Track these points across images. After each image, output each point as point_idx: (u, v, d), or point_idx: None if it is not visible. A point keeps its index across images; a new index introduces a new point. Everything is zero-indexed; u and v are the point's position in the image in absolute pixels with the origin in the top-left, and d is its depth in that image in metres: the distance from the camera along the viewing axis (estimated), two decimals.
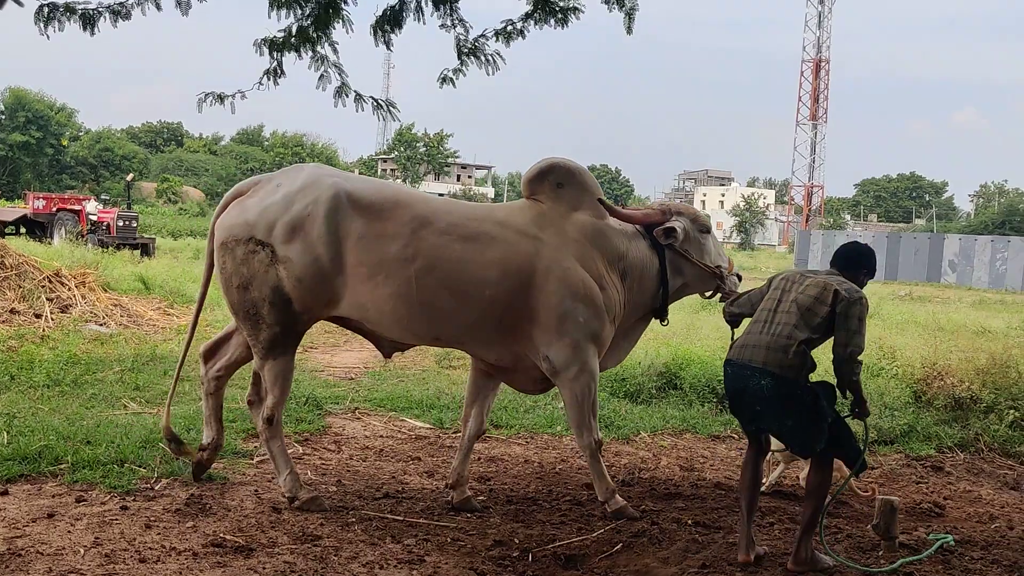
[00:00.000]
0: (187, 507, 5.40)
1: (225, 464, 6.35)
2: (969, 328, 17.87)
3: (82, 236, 26.44)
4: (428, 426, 7.97)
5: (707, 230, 6.22)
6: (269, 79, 7.56)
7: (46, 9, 7.45)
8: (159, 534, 4.96)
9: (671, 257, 6.02)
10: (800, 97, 79.46)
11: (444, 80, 7.74)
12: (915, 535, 5.61)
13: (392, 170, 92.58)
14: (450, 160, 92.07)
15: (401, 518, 5.56)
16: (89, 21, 7.49)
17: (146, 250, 25.58)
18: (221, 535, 4.98)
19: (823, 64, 78.49)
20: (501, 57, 7.50)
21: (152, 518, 5.20)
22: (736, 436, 8.39)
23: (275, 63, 7.47)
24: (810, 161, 79.76)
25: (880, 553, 5.24)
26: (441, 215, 5.55)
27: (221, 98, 7.82)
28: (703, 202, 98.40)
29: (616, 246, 5.90)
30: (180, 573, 4.47)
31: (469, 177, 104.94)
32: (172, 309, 14.13)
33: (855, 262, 5.18)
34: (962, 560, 5.20)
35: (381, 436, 7.60)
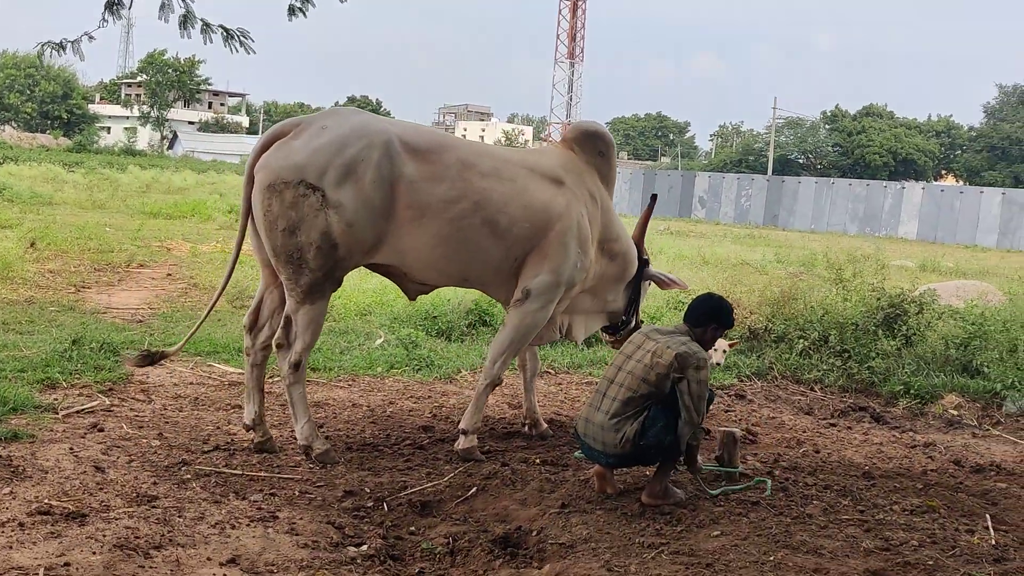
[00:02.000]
0: None
1: (28, 420, 5.73)
2: (732, 261, 18.92)
3: None
4: (239, 371, 7.51)
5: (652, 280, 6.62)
6: (112, 14, 6.63)
7: None
8: None
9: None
10: (558, 35, 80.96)
11: (292, 12, 7.08)
12: (748, 463, 5.83)
13: (138, 96, 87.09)
14: (202, 87, 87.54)
15: (240, 472, 5.22)
16: None
17: None
18: (46, 501, 4.47)
19: (580, 3, 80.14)
20: None
21: None
22: (552, 372, 8.46)
23: None
24: (568, 99, 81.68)
25: (723, 483, 5.41)
26: (483, 157, 5.65)
27: (62, 46, 6.86)
28: (464, 136, 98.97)
29: (616, 228, 6.21)
30: (10, 547, 3.95)
31: (222, 105, 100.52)
32: None
33: (704, 317, 5.13)
34: (797, 487, 5.44)
35: (191, 383, 7.11)
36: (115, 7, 6.57)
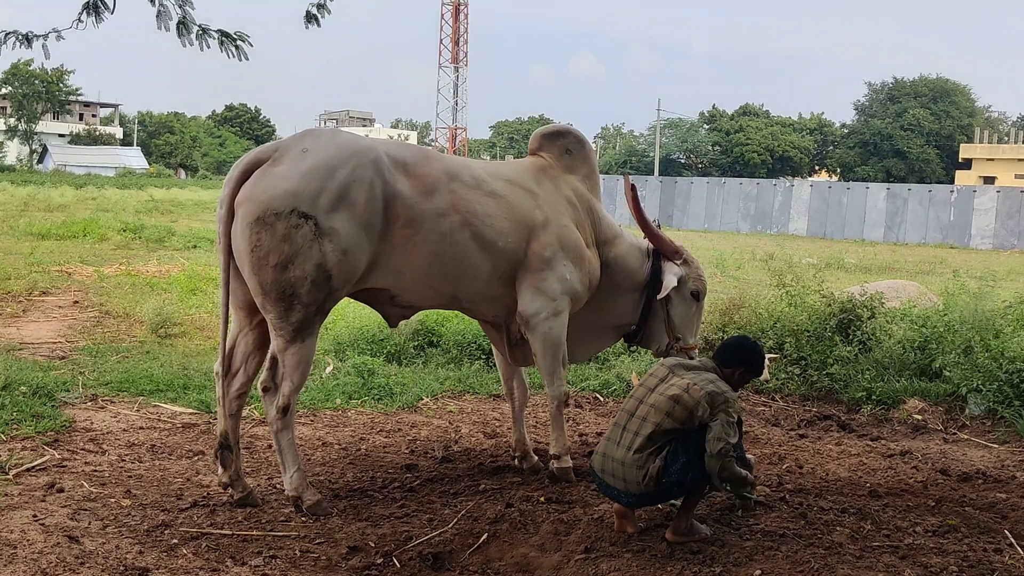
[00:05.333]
0: None
1: None
2: None
3: None
4: (191, 411, 6.99)
5: (697, 296, 6.13)
6: (89, 15, 5.93)
7: None
8: None
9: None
10: (442, 40, 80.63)
11: (309, 18, 6.53)
12: (764, 493, 5.61)
13: (3, 108, 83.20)
14: (72, 98, 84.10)
15: (229, 532, 4.76)
16: None
17: None
18: None
19: (462, 7, 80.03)
20: None
21: None
22: None
23: None
24: (453, 103, 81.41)
25: (739, 513, 5.20)
26: (464, 169, 5.41)
27: (28, 39, 6.15)
28: None
29: (604, 230, 5.93)
30: None
31: (94, 116, 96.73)
32: None
33: (735, 359, 4.90)
34: (813, 512, 5.26)
35: (142, 428, 6.55)
36: (96, 9, 5.91)
